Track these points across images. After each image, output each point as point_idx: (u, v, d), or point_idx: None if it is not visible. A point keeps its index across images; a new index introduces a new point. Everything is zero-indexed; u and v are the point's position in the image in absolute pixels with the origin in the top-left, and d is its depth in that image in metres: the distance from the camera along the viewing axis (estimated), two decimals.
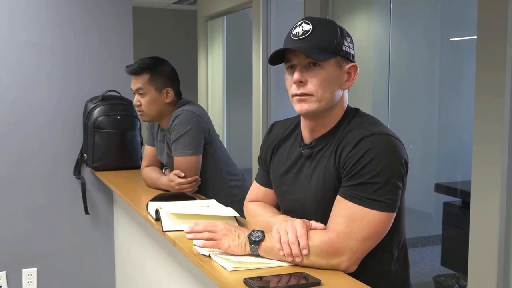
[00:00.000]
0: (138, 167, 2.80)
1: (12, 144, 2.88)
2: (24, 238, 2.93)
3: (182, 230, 1.69)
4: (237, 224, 1.71)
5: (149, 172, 2.46)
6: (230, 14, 6.27)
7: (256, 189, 1.66)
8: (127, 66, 2.40)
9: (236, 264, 1.34)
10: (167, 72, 2.38)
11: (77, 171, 2.97)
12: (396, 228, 1.41)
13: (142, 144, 2.94)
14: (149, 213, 1.96)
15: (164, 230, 1.75)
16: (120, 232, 2.99)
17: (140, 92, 2.34)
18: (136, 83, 2.35)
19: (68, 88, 2.96)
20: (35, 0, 2.87)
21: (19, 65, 2.86)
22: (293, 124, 1.58)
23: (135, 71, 2.35)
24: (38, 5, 2.88)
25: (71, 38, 2.95)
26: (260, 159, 1.66)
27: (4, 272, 2.89)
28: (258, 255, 1.38)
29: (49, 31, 2.91)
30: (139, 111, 2.37)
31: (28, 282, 2.93)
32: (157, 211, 1.85)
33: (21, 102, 2.88)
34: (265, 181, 1.64)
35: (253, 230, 1.40)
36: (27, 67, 2.88)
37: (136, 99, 2.36)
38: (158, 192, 2.25)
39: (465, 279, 2.92)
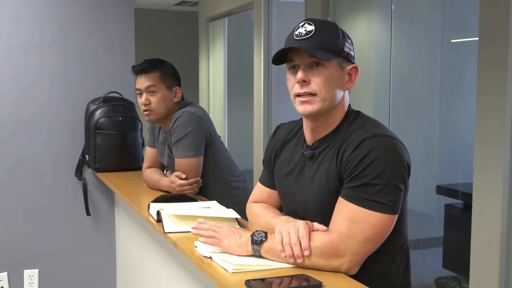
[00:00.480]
0: (139, 168, 2.80)
1: (14, 145, 2.88)
2: (25, 239, 2.93)
3: (184, 232, 1.70)
4: (239, 226, 1.72)
5: (150, 173, 2.46)
6: (232, 15, 6.28)
7: (259, 190, 1.67)
8: (134, 66, 2.38)
9: (237, 266, 1.33)
10: (173, 72, 2.38)
11: (79, 172, 2.98)
12: (398, 230, 1.40)
13: (143, 145, 2.94)
14: (150, 215, 1.96)
15: (165, 231, 1.75)
16: (121, 233, 2.99)
17: (151, 90, 2.31)
18: (146, 81, 2.32)
19: (70, 89, 2.96)
20: (36, 0, 2.88)
21: (21, 66, 2.87)
22: (297, 126, 1.58)
23: (145, 69, 2.33)
24: (40, 6, 2.89)
25: (73, 39, 2.95)
26: (264, 160, 1.67)
27: (6, 273, 2.89)
28: (260, 256, 1.38)
29: (51, 32, 2.91)
30: (147, 110, 2.32)
31: (30, 283, 2.93)
32: (158, 213, 1.85)
33: (23, 103, 2.88)
34: (269, 182, 1.64)
35: (256, 231, 1.40)
36: (29, 68, 2.88)
37: (145, 98, 2.32)
38: (159, 194, 2.25)
39: (467, 282, 2.91)
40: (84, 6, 2.96)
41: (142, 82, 2.33)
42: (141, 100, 2.34)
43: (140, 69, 2.34)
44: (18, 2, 2.84)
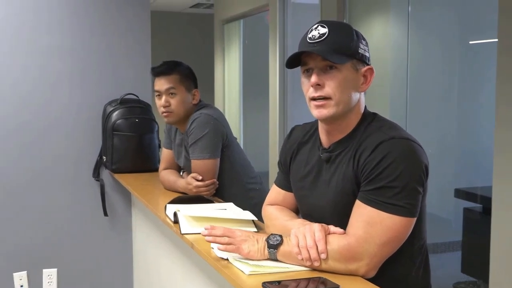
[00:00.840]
0: (155, 170, 2.81)
1: (33, 146, 2.91)
2: (44, 239, 2.96)
3: (200, 233, 1.70)
4: (255, 228, 1.72)
5: (166, 175, 2.47)
6: (247, 17, 6.29)
7: (275, 192, 1.66)
8: (154, 68, 2.38)
9: (254, 268, 1.33)
10: (191, 74, 2.39)
11: (96, 173, 3.00)
12: (416, 233, 1.39)
13: (159, 147, 2.95)
14: (167, 216, 1.96)
15: (182, 232, 1.75)
16: (138, 234, 3.01)
17: (171, 92, 2.32)
18: (166, 83, 2.32)
19: (88, 91, 2.99)
20: (56, 5, 2.91)
21: (40, 69, 2.90)
22: (313, 128, 1.57)
23: (165, 71, 2.33)
24: (60, 10, 2.92)
25: (90, 43, 2.98)
26: (280, 163, 1.66)
27: (25, 272, 2.93)
28: (276, 259, 1.37)
29: (69, 36, 2.94)
30: (167, 112, 2.32)
31: (48, 282, 2.96)
32: (175, 214, 1.85)
33: (43, 105, 2.91)
34: (285, 184, 1.63)
35: (271, 234, 1.40)
36: (47, 70, 2.91)
37: (165, 100, 2.32)
38: (175, 195, 2.25)
39: (486, 287, 2.88)
40: (101, 9, 2.99)
41: (162, 84, 2.33)
42: (161, 102, 2.33)
43: (160, 71, 2.34)
44: (38, 7, 2.87)
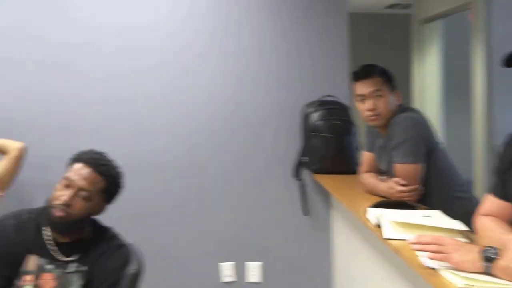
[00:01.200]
0: (353, 172, 2.81)
1: (239, 145, 3.10)
2: (250, 234, 3.14)
3: (404, 239, 1.66)
4: (465, 239, 1.63)
5: (368, 178, 2.45)
6: (446, 17, 5.98)
7: (489, 202, 1.56)
8: (355, 72, 2.40)
9: (468, 281, 1.26)
10: (390, 75, 2.37)
11: (297, 173, 3.10)
12: None
13: (357, 149, 2.95)
14: (368, 219, 1.96)
15: (384, 237, 1.73)
16: (336, 235, 3.05)
17: (377, 94, 2.30)
18: (370, 86, 2.31)
19: (287, 92, 3.10)
20: (261, 7, 3.08)
21: (243, 72, 3.09)
22: None
23: (368, 74, 2.33)
24: (262, 13, 3.07)
25: (289, 45, 3.09)
26: (497, 170, 1.55)
27: (233, 263, 3.14)
28: (491, 274, 1.28)
29: (270, 38, 3.09)
30: (374, 115, 2.30)
31: (252, 275, 3.15)
32: (378, 218, 1.84)
33: (246, 106, 3.10)
34: (502, 194, 1.52)
35: (488, 246, 1.31)
36: (250, 73, 3.09)
37: (372, 103, 2.30)
38: (375, 198, 2.23)
39: None
40: (300, 12, 3.08)
41: (367, 87, 2.32)
42: (365, 105, 2.32)
43: (362, 75, 2.34)
44: (241, 13, 3.07)
